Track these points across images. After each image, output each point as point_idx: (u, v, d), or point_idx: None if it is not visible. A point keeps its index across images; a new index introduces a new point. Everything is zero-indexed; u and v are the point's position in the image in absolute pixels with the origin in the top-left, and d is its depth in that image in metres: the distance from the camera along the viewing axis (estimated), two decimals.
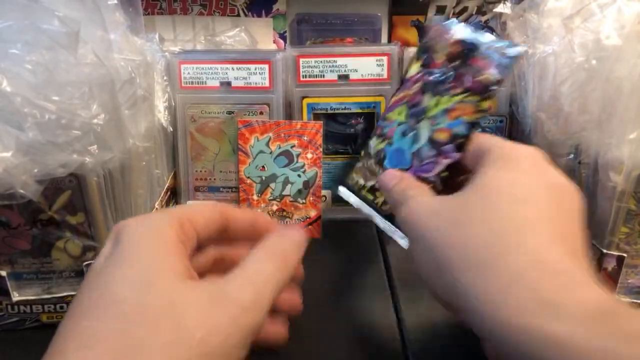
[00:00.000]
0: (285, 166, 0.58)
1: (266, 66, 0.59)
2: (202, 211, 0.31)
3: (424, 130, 0.39)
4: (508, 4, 0.56)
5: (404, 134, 0.40)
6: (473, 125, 0.36)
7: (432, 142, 0.38)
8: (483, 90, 0.36)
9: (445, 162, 0.37)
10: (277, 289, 0.28)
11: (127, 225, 0.27)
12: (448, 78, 0.38)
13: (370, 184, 0.43)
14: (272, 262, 0.29)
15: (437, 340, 0.43)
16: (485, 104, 0.36)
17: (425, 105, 0.39)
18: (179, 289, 0.25)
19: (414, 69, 0.42)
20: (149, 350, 0.22)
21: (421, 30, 0.73)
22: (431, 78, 0.39)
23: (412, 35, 0.74)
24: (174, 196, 0.61)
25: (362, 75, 0.60)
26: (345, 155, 0.62)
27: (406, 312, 0.46)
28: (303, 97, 0.60)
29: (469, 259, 0.27)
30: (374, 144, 0.43)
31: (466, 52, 0.38)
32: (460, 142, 0.36)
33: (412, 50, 0.60)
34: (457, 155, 0.36)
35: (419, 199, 0.33)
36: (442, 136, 0.37)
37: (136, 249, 0.26)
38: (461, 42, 0.38)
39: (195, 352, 0.23)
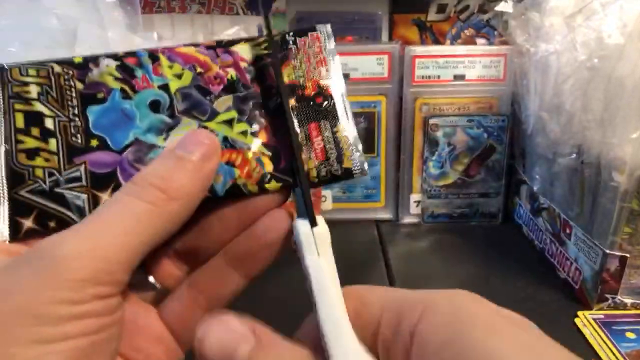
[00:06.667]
0: None
1: None
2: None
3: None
4: (510, 2, 0.56)
5: (155, 109, 0.24)
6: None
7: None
8: None
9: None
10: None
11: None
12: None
13: None
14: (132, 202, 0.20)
15: None
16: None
17: (216, 110, 0.25)
18: None
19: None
20: None
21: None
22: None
23: (413, 33, 0.73)
24: None
25: (362, 74, 0.59)
26: None
27: None
28: None
29: None
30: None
31: None
32: None
33: (412, 49, 0.60)
34: None
35: None
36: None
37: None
38: None
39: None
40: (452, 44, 0.73)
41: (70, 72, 0.24)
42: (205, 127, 0.24)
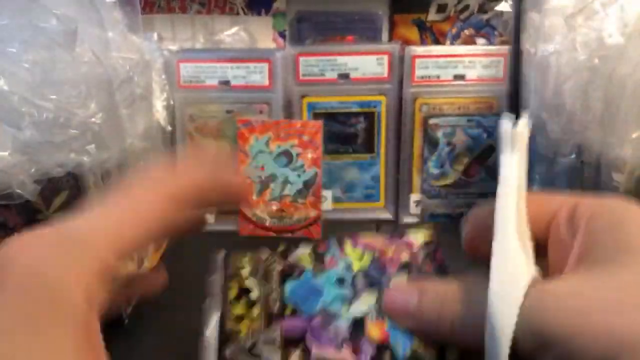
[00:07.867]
0: (285, 166, 0.58)
1: (266, 65, 0.58)
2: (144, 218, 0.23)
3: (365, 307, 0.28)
4: (510, 2, 0.56)
5: (339, 285, 0.28)
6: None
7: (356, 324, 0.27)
8: None
9: None
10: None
11: (15, 261, 0.19)
12: None
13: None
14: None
15: None
16: None
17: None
18: None
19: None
20: None
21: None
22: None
23: (413, 33, 0.73)
24: None
25: (362, 74, 0.59)
26: (346, 155, 0.62)
27: None
28: (303, 96, 0.60)
29: None
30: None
31: None
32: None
33: (412, 49, 0.60)
34: None
35: (544, 287, 0.21)
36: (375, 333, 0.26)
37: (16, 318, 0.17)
38: None
39: None
40: (452, 43, 0.73)
41: (275, 257, 0.30)
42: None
